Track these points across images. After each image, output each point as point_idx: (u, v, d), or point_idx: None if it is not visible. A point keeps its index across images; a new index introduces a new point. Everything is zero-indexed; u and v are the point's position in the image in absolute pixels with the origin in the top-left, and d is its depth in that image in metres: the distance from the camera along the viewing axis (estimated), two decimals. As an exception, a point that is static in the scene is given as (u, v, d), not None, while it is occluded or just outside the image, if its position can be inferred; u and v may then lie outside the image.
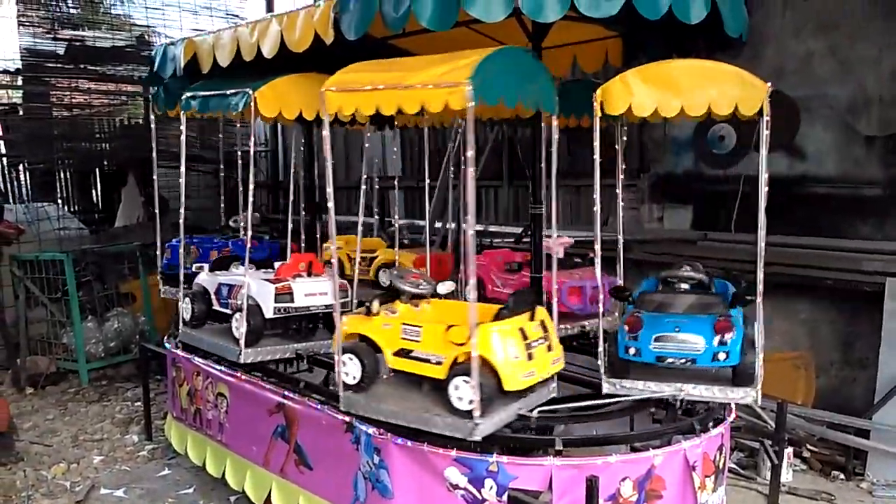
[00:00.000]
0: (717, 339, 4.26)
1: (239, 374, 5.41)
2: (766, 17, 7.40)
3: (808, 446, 6.51)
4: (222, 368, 5.61)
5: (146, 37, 12.15)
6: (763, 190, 3.99)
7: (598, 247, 4.40)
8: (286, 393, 4.98)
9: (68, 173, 12.02)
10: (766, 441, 5.36)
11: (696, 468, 4.09)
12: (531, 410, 4.17)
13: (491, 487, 3.86)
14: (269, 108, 5.02)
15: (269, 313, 5.25)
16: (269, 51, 4.84)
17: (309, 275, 5.49)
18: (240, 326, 5.20)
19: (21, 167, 11.23)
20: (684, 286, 4.75)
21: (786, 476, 6.02)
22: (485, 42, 5.44)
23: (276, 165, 13.75)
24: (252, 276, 5.35)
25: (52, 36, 11.23)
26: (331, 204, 4.29)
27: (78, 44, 11.50)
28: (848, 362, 7.01)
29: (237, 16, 12.69)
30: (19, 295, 9.27)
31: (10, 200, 10.75)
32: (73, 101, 11.76)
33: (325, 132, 4.14)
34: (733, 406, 4.65)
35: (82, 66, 11.46)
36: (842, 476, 6.27)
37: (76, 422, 7.82)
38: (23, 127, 11.15)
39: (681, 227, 8.24)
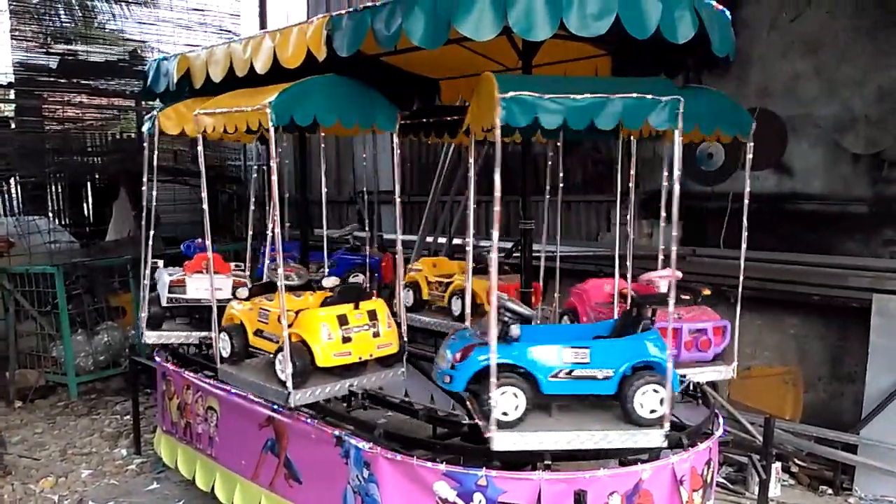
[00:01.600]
0: None
1: (229, 388, 5.42)
2: (754, 38, 7.51)
3: (797, 461, 6.54)
4: (213, 382, 5.62)
5: (139, 52, 12.19)
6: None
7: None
8: (276, 407, 4.98)
9: (60, 187, 12.00)
10: (754, 456, 5.40)
11: (683, 482, 4.11)
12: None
13: (480, 501, 3.87)
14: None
15: (163, 301, 6.22)
16: (261, 67, 4.87)
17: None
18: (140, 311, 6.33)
19: (12, 180, 11.20)
20: None
21: (774, 490, 6.05)
22: (476, 59, 5.51)
23: (269, 180, 13.75)
24: (162, 271, 6.37)
25: (44, 50, 11.26)
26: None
27: (71, 58, 11.53)
28: (836, 377, 7.05)
29: (230, 31, 12.74)
30: (9, 308, 9.24)
31: (2, 213, 10.73)
32: (66, 114, 11.77)
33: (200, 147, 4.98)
34: (721, 420, 4.70)
35: (75, 80, 11.48)
36: (830, 491, 6.30)
37: (65, 435, 7.79)
38: (14, 140, 11.13)
39: (670, 242, 8.28)
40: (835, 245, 7.20)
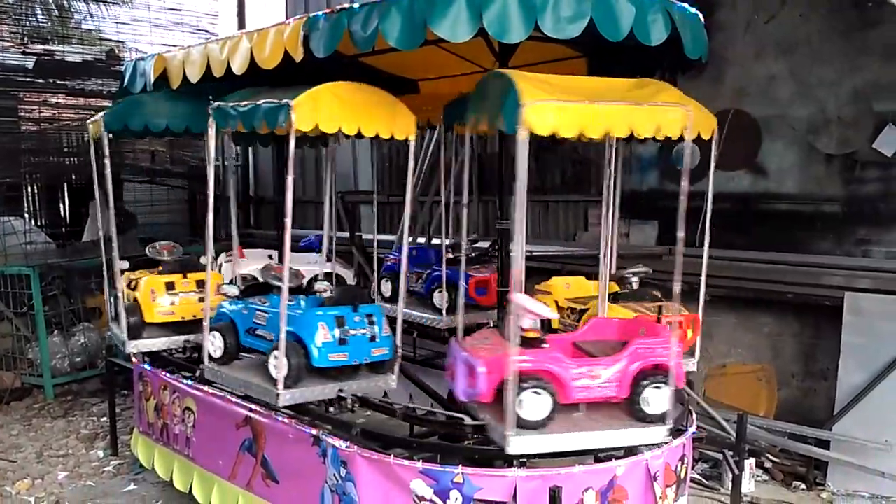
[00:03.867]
0: None
1: (206, 389, 5.42)
2: (728, 40, 7.59)
3: (770, 457, 6.63)
4: (189, 383, 5.61)
5: (116, 52, 12.10)
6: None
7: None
8: (253, 407, 4.99)
9: (36, 187, 11.90)
10: (728, 452, 5.47)
11: (657, 478, 4.17)
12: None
13: (456, 499, 3.90)
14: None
15: None
16: (238, 67, 4.87)
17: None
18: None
19: (-13, 181, 11.11)
20: None
21: (748, 486, 6.12)
22: (452, 60, 5.54)
23: (246, 181, 13.74)
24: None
25: (21, 50, 11.16)
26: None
27: (47, 58, 11.42)
28: (809, 374, 7.15)
29: (208, 32, 12.69)
30: (-16, 309, 9.18)
31: (-24, 215, 10.63)
32: (42, 115, 11.66)
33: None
34: (695, 417, 4.76)
35: (51, 80, 11.38)
36: (803, 486, 6.39)
37: (41, 437, 7.74)
38: (-11, 141, 11.05)
39: (646, 242, 8.38)
40: (808, 244, 7.30)
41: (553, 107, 3.63)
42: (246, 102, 4.70)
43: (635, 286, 5.45)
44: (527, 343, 4.01)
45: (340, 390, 4.82)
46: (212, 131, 4.95)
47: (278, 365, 4.54)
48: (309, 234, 8.86)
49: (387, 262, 7.15)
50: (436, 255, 6.83)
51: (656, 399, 4.03)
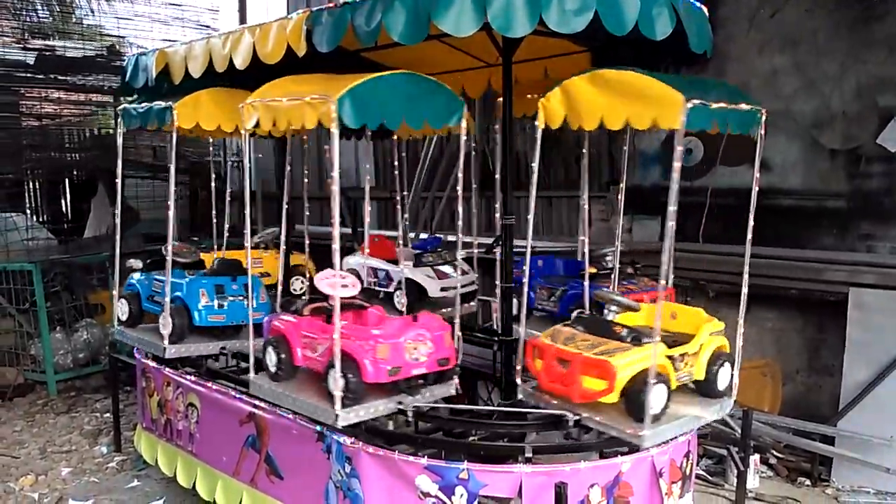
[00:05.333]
0: None
1: (210, 385, 5.41)
2: (732, 34, 7.56)
3: (775, 453, 6.62)
4: (193, 378, 5.61)
5: (117, 47, 12.09)
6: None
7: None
8: (257, 403, 4.98)
9: (37, 183, 11.91)
10: (733, 448, 5.46)
11: (663, 475, 4.16)
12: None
13: (461, 495, 3.90)
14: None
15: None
16: (241, 62, 4.85)
17: None
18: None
19: (-11, 177, 11.12)
20: None
21: (752, 482, 6.12)
22: (455, 55, 5.52)
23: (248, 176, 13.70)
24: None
25: (22, 46, 11.15)
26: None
27: (48, 53, 11.42)
28: (814, 370, 7.14)
29: (209, 27, 12.67)
30: (-13, 306, 9.18)
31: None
32: (43, 110, 11.66)
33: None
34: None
35: (52, 75, 11.37)
36: (808, 482, 6.38)
37: (44, 433, 7.75)
38: (-9, 137, 11.05)
39: (649, 237, 8.35)
40: (812, 239, 7.27)
41: None
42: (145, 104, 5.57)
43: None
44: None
45: (400, 402, 4.41)
46: (120, 130, 5.89)
47: (165, 324, 5.50)
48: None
49: None
50: (567, 266, 6.11)
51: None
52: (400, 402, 4.41)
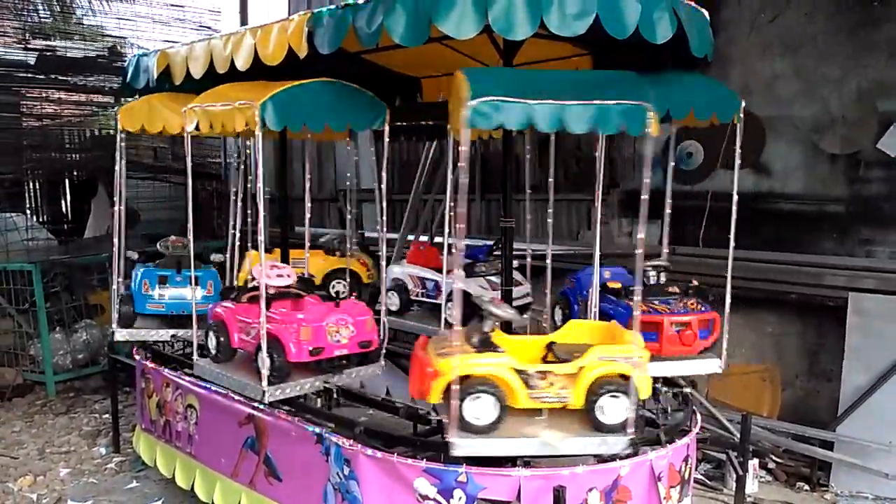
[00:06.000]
0: None
1: (209, 386, 5.40)
2: (733, 38, 7.56)
3: (774, 458, 6.62)
4: (192, 379, 5.60)
5: (118, 48, 12.09)
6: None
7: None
8: (256, 405, 4.97)
9: (38, 183, 11.91)
10: (732, 452, 5.45)
11: (661, 479, 4.15)
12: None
13: (460, 498, 3.89)
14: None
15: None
16: (242, 63, 4.85)
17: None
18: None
19: (-11, 177, 11.11)
20: None
21: (751, 487, 6.10)
22: (456, 57, 5.52)
23: (247, 178, 13.70)
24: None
25: (22, 46, 11.15)
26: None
27: (49, 54, 11.43)
28: (813, 375, 7.14)
29: (210, 28, 12.68)
30: (-14, 306, 9.17)
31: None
32: (44, 111, 11.67)
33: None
34: (699, 417, 4.75)
35: (53, 76, 11.38)
36: (806, 487, 6.38)
37: (43, 434, 7.74)
38: (-9, 137, 11.05)
39: (649, 241, 8.34)
40: (812, 244, 7.27)
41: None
42: None
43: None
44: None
45: (326, 382, 4.94)
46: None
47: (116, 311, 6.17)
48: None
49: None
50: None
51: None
52: (326, 382, 4.93)
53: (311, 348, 4.70)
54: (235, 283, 6.32)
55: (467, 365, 3.83)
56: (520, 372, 3.87)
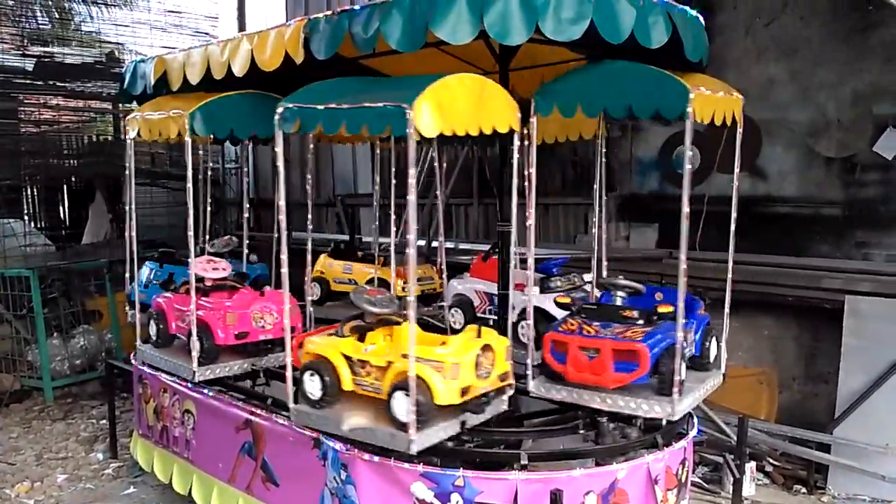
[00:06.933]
0: None
1: (206, 391, 5.41)
2: (729, 43, 7.59)
3: (771, 460, 6.62)
4: (189, 385, 5.60)
5: (116, 54, 12.10)
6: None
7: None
8: (254, 410, 4.98)
9: (35, 189, 11.91)
10: (729, 455, 5.46)
11: (658, 482, 4.16)
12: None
13: (457, 502, 3.90)
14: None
15: None
16: (239, 69, 4.86)
17: None
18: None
19: (-13, 183, 11.10)
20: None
21: (748, 490, 6.12)
22: (453, 63, 5.53)
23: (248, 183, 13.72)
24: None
25: (20, 52, 11.16)
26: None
27: (47, 60, 11.43)
28: (810, 378, 7.14)
29: (208, 34, 12.69)
30: (-17, 312, 9.17)
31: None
32: (42, 117, 11.67)
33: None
34: (696, 420, 4.76)
35: (51, 82, 11.38)
36: (804, 490, 6.38)
37: (40, 440, 7.73)
38: (-11, 143, 11.04)
39: (646, 245, 8.38)
40: (808, 247, 7.29)
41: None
42: None
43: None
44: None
45: (254, 364, 5.50)
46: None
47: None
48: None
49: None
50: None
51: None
52: (254, 364, 5.50)
53: (236, 333, 5.30)
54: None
55: (310, 342, 4.37)
56: (347, 358, 4.20)
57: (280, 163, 4.13)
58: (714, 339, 4.82)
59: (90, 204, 11.72)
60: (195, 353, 5.19)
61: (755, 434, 6.54)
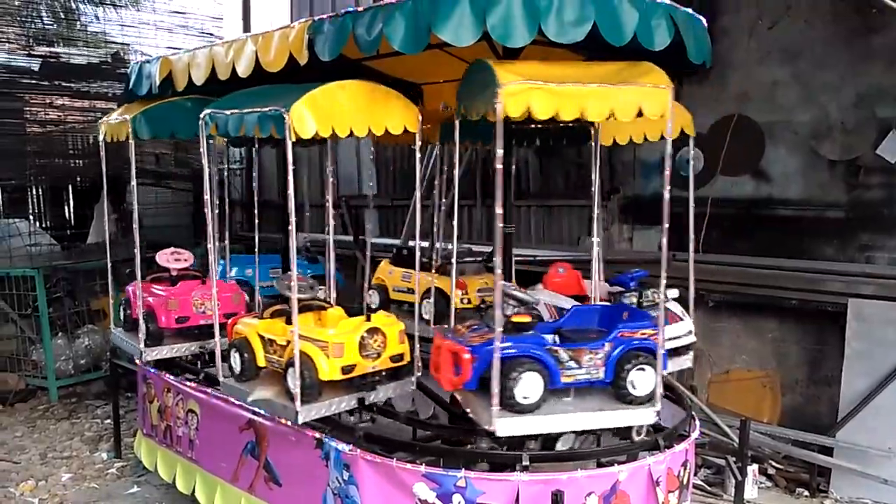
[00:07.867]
0: None
1: (209, 391, 5.43)
2: (732, 45, 7.58)
3: (774, 463, 6.62)
4: (193, 385, 5.62)
5: (121, 54, 12.14)
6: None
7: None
8: (257, 410, 4.99)
9: (41, 189, 11.95)
10: (731, 458, 5.46)
11: (660, 484, 4.16)
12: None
13: (459, 502, 3.91)
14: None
15: None
16: (243, 70, 4.88)
17: None
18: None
19: (-7, 183, 11.16)
20: None
21: (751, 492, 6.12)
22: (456, 64, 5.54)
23: (250, 183, 13.75)
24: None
25: (27, 52, 11.20)
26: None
27: (53, 60, 11.48)
28: (813, 381, 7.13)
29: (213, 35, 12.72)
30: (-11, 311, 9.21)
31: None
32: (48, 117, 11.71)
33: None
34: (698, 422, 4.76)
35: (57, 82, 11.42)
36: (806, 493, 6.38)
37: (45, 439, 7.76)
38: (-5, 143, 11.09)
39: (650, 247, 8.37)
40: (811, 250, 7.28)
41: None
42: None
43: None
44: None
45: (202, 347, 5.94)
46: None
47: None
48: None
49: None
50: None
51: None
52: (202, 347, 5.93)
53: (177, 317, 5.86)
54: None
55: (238, 324, 4.87)
56: (261, 337, 4.64)
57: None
58: (647, 368, 4.09)
59: (95, 204, 11.76)
60: (142, 336, 5.78)
61: (758, 437, 6.55)
